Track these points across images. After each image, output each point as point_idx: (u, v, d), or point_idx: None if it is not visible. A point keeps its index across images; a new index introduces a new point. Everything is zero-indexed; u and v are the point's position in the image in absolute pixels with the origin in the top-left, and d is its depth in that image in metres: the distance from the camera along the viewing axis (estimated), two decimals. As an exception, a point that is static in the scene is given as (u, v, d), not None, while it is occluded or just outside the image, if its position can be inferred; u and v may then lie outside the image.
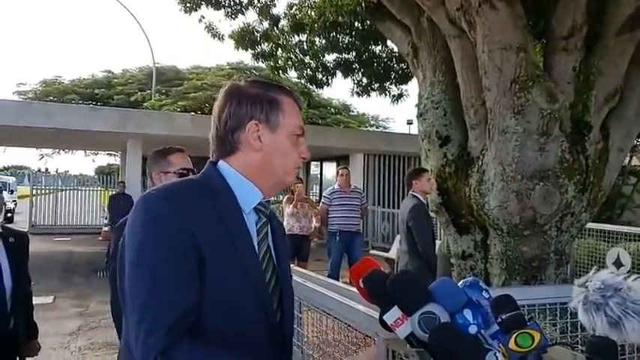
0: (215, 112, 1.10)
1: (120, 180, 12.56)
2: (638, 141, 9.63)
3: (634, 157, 10.53)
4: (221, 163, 1.07)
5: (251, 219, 1.05)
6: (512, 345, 0.81)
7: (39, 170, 17.05)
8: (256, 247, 1.03)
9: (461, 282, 0.95)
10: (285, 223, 6.21)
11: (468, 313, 0.87)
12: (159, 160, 2.02)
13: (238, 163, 1.06)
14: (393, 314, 0.92)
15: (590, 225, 5.18)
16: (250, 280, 0.99)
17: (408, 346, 0.94)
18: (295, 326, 2.08)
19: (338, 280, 5.09)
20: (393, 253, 7.32)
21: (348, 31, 6.86)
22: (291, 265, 2.70)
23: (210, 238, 0.95)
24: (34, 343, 2.54)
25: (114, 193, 10.91)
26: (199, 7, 6.76)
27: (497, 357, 0.82)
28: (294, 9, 7.15)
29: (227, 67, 19.75)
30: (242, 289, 0.97)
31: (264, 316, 1.01)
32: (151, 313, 0.89)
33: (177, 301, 0.90)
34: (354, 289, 1.20)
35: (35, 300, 2.55)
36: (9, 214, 16.64)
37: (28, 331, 2.47)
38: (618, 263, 5.23)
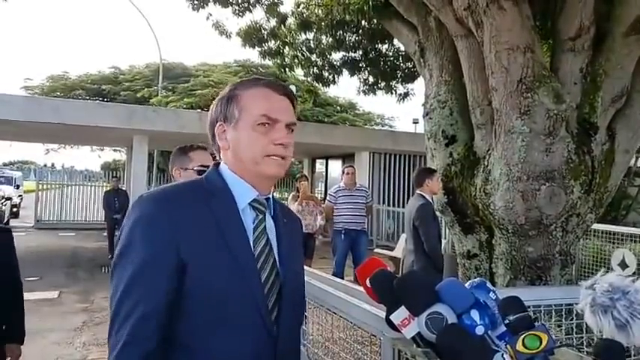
0: None
1: (114, 176, 12.53)
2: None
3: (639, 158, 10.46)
4: (221, 164, 1.13)
5: (248, 216, 1.07)
6: (519, 347, 0.82)
7: (45, 165, 17.15)
8: (252, 244, 1.04)
9: (468, 283, 0.95)
10: (290, 221, 6.22)
11: (475, 314, 0.87)
12: (180, 157, 2.08)
13: (227, 163, 1.12)
14: (400, 314, 0.93)
15: (596, 226, 5.16)
16: (242, 277, 1.00)
17: (414, 346, 0.94)
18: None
19: (343, 278, 5.11)
20: (398, 252, 7.33)
21: (354, 29, 6.86)
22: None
23: (197, 239, 0.98)
24: (12, 347, 2.35)
25: (107, 189, 10.86)
26: (207, 5, 6.77)
27: (504, 358, 0.83)
28: (301, 7, 7.15)
29: (234, 64, 19.78)
30: (231, 286, 0.99)
31: (257, 314, 1.02)
32: (123, 310, 0.95)
33: (146, 301, 0.94)
34: (360, 288, 1.20)
35: (40, 295, 2.48)
36: (14, 209, 16.76)
37: (8, 333, 2.31)
38: (623, 264, 5.21)
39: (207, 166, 2.02)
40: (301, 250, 1.22)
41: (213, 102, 1.16)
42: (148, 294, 0.95)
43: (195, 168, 2.01)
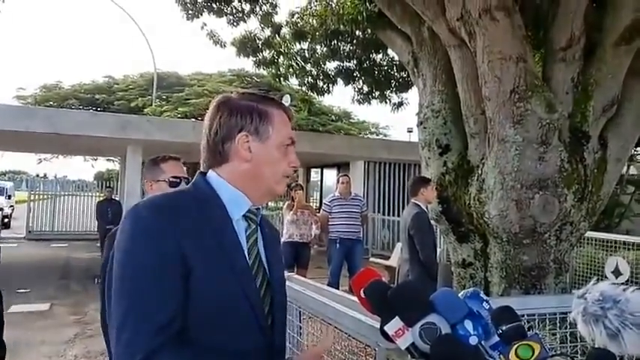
0: (206, 123, 1.13)
1: (108, 186, 12.47)
2: (635, 150, 9.68)
3: (631, 166, 10.56)
4: (210, 173, 1.11)
5: (240, 226, 1.08)
6: (512, 356, 0.82)
7: (37, 175, 17.00)
8: (246, 254, 1.06)
9: (461, 292, 0.95)
10: (285, 230, 6.20)
11: (468, 324, 0.87)
12: (151, 168, 2.02)
13: (227, 173, 1.10)
14: (394, 325, 0.93)
15: (589, 234, 5.19)
16: (240, 285, 1.02)
17: (409, 356, 0.94)
18: (295, 335, 2.09)
19: (338, 287, 5.09)
20: (393, 261, 7.33)
21: (349, 39, 6.91)
22: (291, 273, 2.71)
23: (198, 247, 0.98)
24: None
25: (100, 199, 10.80)
26: (201, 15, 6.80)
27: (497, 368, 0.83)
28: (295, 17, 7.20)
29: (228, 73, 19.80)
30: (232, 295, 1.00)
31: (255, 321, 1.03)
32: (131, 323, 0.92)
33: (159, 310, 0.92)
34: (355, 298, 1.20)
35: (31, 307, 2.41)
36: (5, 220, 16.61)
37: None
38: (617, 272, 5.23)
39: (180, 178, 2.01)
40: (281, 257, 1.24)
41: (225, 107, 1.11)
42: (161, 304, 0.93)
43: (167, 180, 1.96)
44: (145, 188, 2.02)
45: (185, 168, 2.07)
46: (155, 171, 2.00)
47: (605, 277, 5.06)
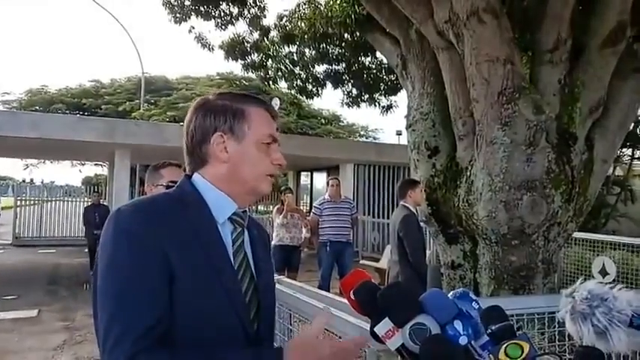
0: (184, 127, 1.13)
1: (95, 191, 12.36)
2: (621, 151, 9.83)
3: (617, 167, 10.72)
4: (195, 176, 1.10)
5: (226, 229, 1.06)
6: (501, 356, 0.82)
7: (23, 181, 16.77)
8: (232, 257, 1.04)
9: (451, 293, 0.96)
10: (275, 234, 6.18)
11: (458, 324, 0.87)
12: (152, 173, 2.15)
13: (209, 175, 1.09)
14: (384, 326, 0.92)
15: (576, 234, 5.24)
16: (225, 289, 1.00)
17: (399, 357, 0.94)
18: (285, 338, 2.08)
19: (329, 290, 5.08)
20: (383, 263, 7.33)
21: (337, 42, 6.93)
22: (282, 277, 2.69)
23: (182, 250, 0.97)
24: None
25: (88, 204, 10.71)
26: (189, 18, 6.77)
27: (487, 368, 0.83)
28: (284, 20, 7.21)
29: (217, 77, 19.76)
30: (216, 299, 0.99)
31: (240, 326, 1.02)
32: (117, 325, 0.91)
33: (144, 313, 0.91)
34: (345, 301, 1.20)
35: (18, 314, 2.40)
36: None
37: None
38: (604, 272, 5.30)
39: (176, 182, 2.06)
40: (271, 260, 1.23)
41: (200, 109, 1.10)
42: (147, 306, 0.92)
43: (164, 184, 2.07)
44: (146, 192, 2.14)
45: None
46: (155, 176, 2.13)
47: (593, 276, 5.12)
